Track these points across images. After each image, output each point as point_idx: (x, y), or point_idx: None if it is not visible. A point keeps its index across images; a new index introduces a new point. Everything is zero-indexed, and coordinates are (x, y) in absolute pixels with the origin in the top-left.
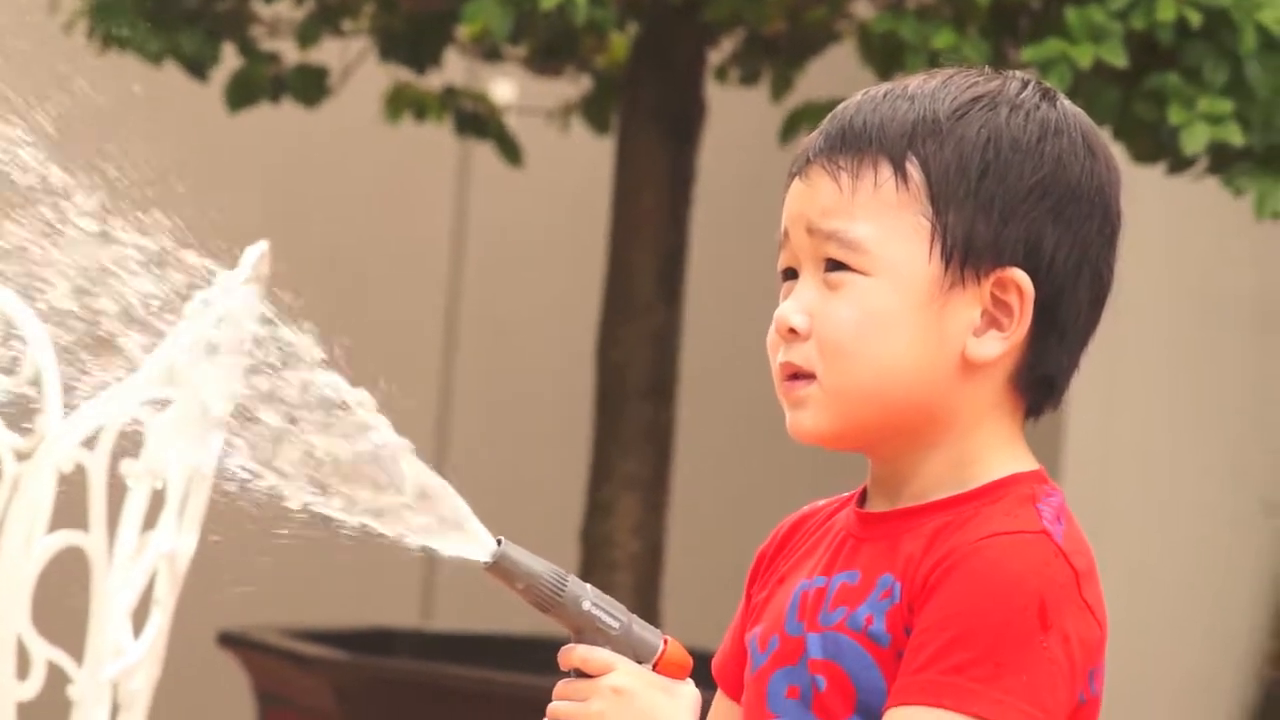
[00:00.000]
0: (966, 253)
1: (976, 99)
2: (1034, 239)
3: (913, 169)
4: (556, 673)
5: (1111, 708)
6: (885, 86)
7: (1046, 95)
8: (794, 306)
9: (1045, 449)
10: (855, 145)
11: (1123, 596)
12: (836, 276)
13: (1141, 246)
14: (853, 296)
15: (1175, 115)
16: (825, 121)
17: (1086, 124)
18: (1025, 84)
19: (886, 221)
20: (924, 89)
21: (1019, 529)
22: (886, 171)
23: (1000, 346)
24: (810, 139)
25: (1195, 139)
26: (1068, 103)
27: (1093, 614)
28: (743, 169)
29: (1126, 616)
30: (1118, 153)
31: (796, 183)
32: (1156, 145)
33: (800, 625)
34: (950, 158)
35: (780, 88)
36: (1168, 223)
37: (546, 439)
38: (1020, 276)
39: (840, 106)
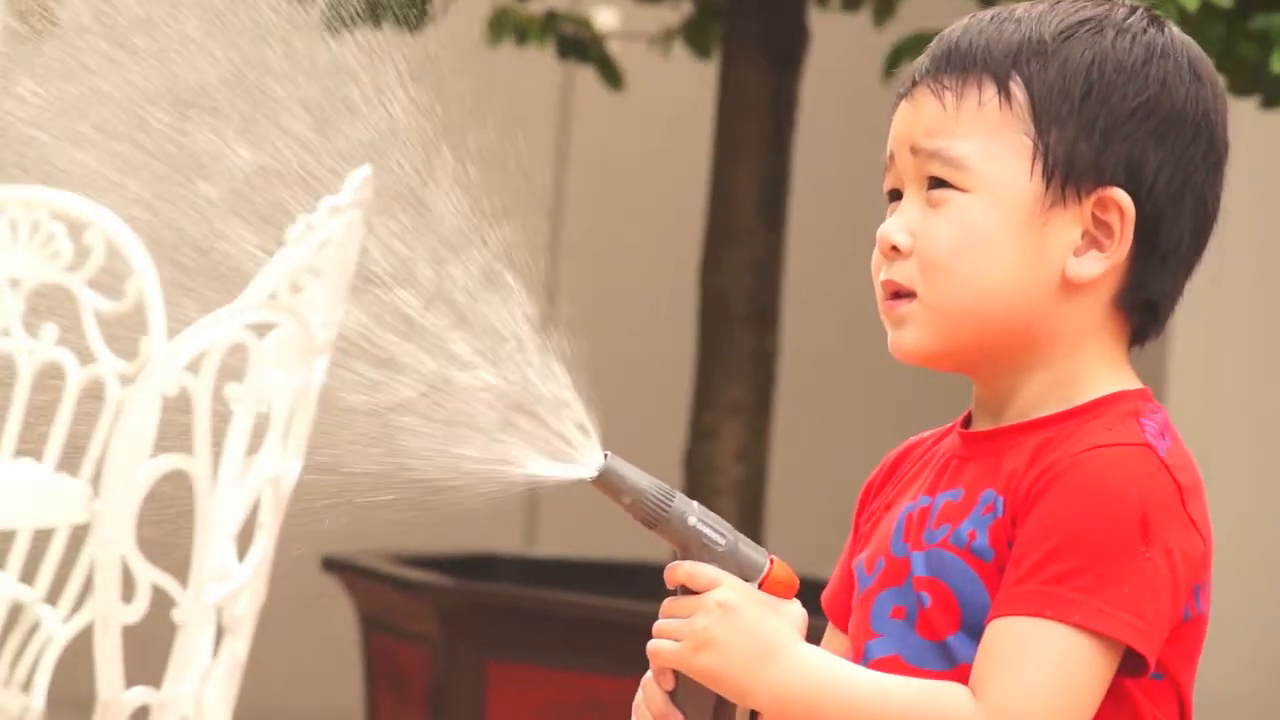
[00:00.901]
0: (1068, 172)
1: (1083, 22)
2: (1136, 160)
3: (1016, 88)
4: (659, 599)
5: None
6: (992, 10)
7: (1154, 21)
8: (897, 224)
9: (1149, 381)
10: (960, 65)
11: (1225, 532)
12: (939, 194)
13: (1246, 177)
14: (954, 214)
15: (1277, 62)
16: (932, 44)
17: (1194, 50)
18: (1133, 10)
19: (989, 139)
20: (1030, 13)
21: (1121, 441)
22: (990, 90)
23: (1100, 266)
24: (916, 62)
25: None
26: (1175, 29)
27: (1197, 529)
28: (845, 95)
29: (1226, 553)
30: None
31: (902, 104)
32: (1255, 81)
33: (905, 546)
34: (1054, 78)
35: (882, 14)
36: (1269, 155)
37: (650, 364)
38: (1121, 196)
39: (947, 30)
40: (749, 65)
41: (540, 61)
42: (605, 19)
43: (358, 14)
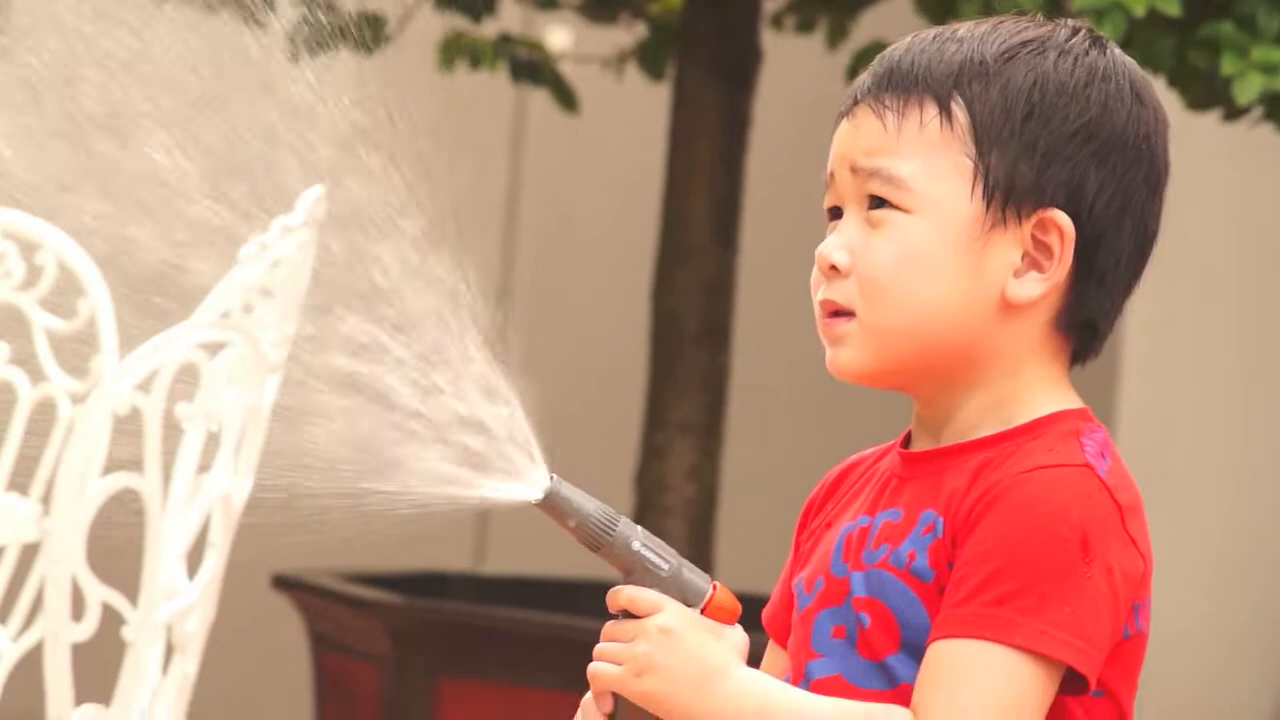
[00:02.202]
0: (1009, 193)
1: (1025, 43)
2: (1076, 182)
3: (958, 109)
4: (606, 616)
5: (1159, 659)
6: (935, 30)
7: (1096, 42)
8: (836, 243)
9: (1100, 400)
10: (902, 85)
11: (1171, 554)
12: (879, 214)
13: (1198, 194)
14: (894, 234)
15: (1229, 65)
16: (874, 63)
17: (1135, 73)
18: (1075, 31)
19: (930, 160)
20: (974, 33)
21: (1061, 462)
22: (932, 110)
23: (1040, 288)
24: (858, 80)
25: (1248, 88)
26: (1117, 51)
27: (1137, 548)
28: (798, 116)
29: (1173, 575)
30: (1172, 102)
31: (843, 123)
32: (1210, 94)
33: (845, 566)
34: (996, 99)
35: (836, 35)
36: (1224, 170)
37: (602, 384)
38: (1061, 218)
39: (890, 48)
40: (702, 86)
41: (493, 84)
42: (558, 40)
43: (315, 38)
